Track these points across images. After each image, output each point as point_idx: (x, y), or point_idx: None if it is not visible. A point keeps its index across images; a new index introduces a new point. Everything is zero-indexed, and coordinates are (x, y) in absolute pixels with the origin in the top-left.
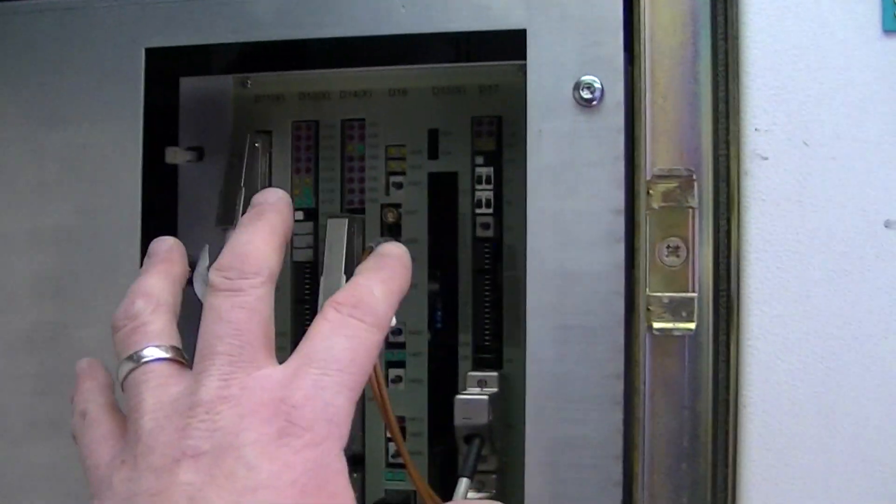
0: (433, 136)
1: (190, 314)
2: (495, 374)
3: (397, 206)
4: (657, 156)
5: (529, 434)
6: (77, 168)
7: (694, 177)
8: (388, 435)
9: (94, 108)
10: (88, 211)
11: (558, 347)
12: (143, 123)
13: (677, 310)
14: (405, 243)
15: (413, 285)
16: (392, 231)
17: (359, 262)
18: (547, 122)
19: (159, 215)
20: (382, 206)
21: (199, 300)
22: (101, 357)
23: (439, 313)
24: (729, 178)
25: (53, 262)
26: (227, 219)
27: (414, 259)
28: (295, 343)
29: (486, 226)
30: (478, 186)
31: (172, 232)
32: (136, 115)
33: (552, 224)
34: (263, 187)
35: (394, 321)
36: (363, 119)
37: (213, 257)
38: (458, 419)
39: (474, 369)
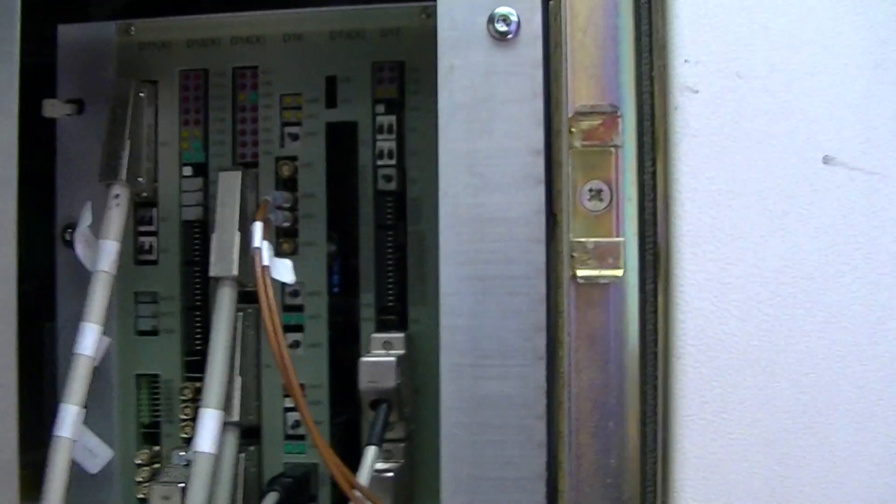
0: (331, 83)
1: (72, 277)
2: (401, 335)
3: (293, 158)
4: (578, 92)
5: (445, 394)
6: None
7: (619, 113)
8: (288, 404)
9: None
10: None
11: (474, 299)
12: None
13: (603, 256)
14: (302, 198)
15: (311, 243)
16: (288, 186)
17: (253, 219)
18: (459, 58)
19: (36, 172)
20: (277, 160)
21: (81, 262)
22: None
23: (339, 273)
24: (654, 115)
25: None
26: (111, 173)
27: (312, 215)
28: (185, 307)
29: (388, 178)
30: (379, 136)
31: (51, 190)
32: (11, 65)
33: (466, 166)
34: (150, 140)
35: (290, 280)
36: (256, 66)
37: (96, 214)
38: (364, 383)
39: (378, 331)
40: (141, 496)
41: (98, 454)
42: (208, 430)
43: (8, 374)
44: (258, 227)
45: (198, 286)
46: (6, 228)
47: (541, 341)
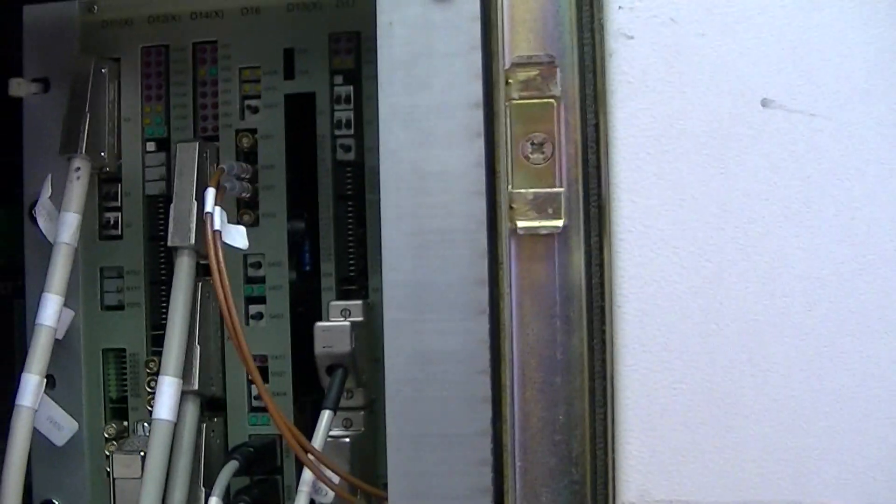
0: (289, 55)
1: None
2: (359, 302)
3: (253, 131)
4: (516, 45)
5: (388, 349)
6: None
7: (556, 63)
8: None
9: None
10: None
11: (416, 253)
12: None
13: (542, 206)
14: (261, 170)
15: (271, 214)
16: (248, 157)
17: (209, 185)
18: (397, 13)
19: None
20: (237, 132)
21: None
22: None
23: (299, 243)
24: (595, 67)
25: None
26: (71, 147)
27: (272, 186)
28: (150, 282)
29: (346, 148)
30: (337, 107)
31: (18, 166)
32: None
33: (405, 121)
34: (112, 116)
35: (243, 245)
36: (215, 41)
37: (56, 186)
38: (319, 348)
39: (338, 300)
40: (109, 470)
41: (63, 426)
42: (166, 397)
43: None
44: (210, 193)
45: (162, 260)
46: None
47: (483, 295)
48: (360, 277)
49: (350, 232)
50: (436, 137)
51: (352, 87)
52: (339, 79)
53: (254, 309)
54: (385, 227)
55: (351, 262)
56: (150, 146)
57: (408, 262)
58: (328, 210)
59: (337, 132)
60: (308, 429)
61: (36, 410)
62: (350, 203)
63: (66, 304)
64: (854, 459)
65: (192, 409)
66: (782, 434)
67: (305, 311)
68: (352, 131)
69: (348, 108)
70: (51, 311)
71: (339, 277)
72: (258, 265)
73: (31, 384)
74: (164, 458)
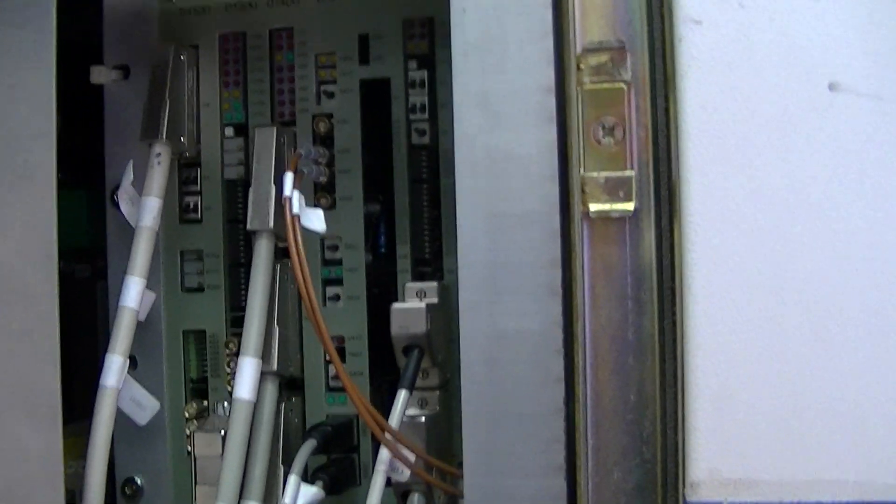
0: (363, 41)
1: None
2: (434, 284)
3: (329, 116)
4: (587, 30)
5: (464, 330)
6: None
7: (626, 48)
8: (327, 358)
9: (5, 15)
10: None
11: (491, 236)
12: (65, 42)
13: (614, 190)
14: (338, 154)
15: (348, 198)
16: (325, 142)
17: (287, 170)
18: (471, 0)
19: (85, 135)
20: (314, 117)
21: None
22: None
23: (376, 226)
24: (665, 50)
25: None
26: (152, 133)
27: (348, 170)
28: (229, 264)
29: (421, 132)
30: (411, 91)
31: (99, 152)
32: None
33: (479, 105)
34: (191, 102)
35: (321, 229)
36: (291, 28)
37: (138, 173)
38: (395, 328)
39: (413, 281)
40: (190, 449)
41: (146, 406)
42: (246, 377)
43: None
44: (289, 178)
45: (241, 243)
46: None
47: (556, 276)
48: (434, 259)
49: (425, 215)
50: (509, 121)
51: (426, 72)
52: (413, 64)
53: (331, 291)
54: (460, 209)
55: (426, 244)
56: (229, 131)
57: (482, 245)
58: (403, 193)
59: (412, 116)
60: (384, 409)
61: (119, 390)
62: (425, 186)
63: (147, 287)
64: None
65: (271, 389)
66: (851, 413)
67: (381, 292)
68: (426, 115)
69: (423, 93)
70: (133, 293)
71: (415, 259)
72: (335, 248)
73: (114, 365)
74: (245, 436)
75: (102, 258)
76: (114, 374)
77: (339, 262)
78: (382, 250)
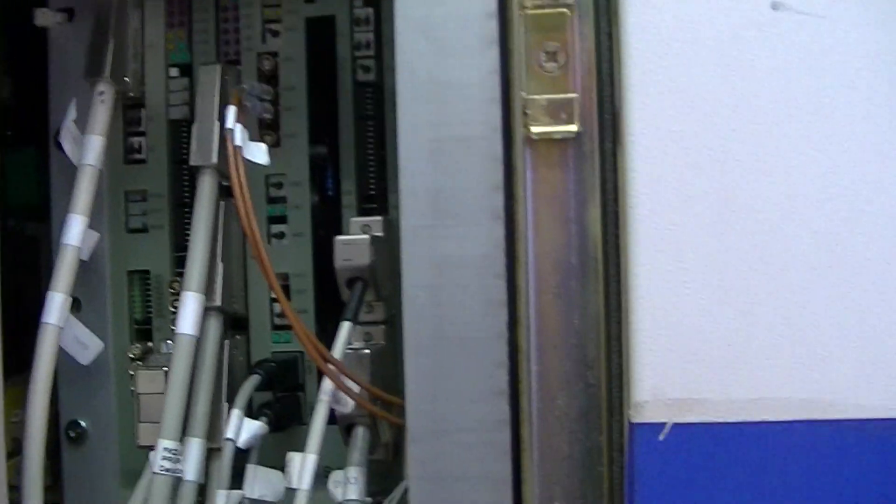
0: None
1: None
2: (379, 219)
3: (274, 54)
4: None
5: (406, 255)
6: None
7: None
8: (273, 295)
9: None
10: None
11: (433, 161)
12: None
13: (556, 112)
14: (283, 92)
15: (293, 135)
16: (270, 80)
17: (230, 104)
18: None
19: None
20: (259, 55)
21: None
22: None
23: (323, 168)
24: None
25: None
26: (95, 70)
27: (293, 108)
28: (174, 205)
29: (366, 69)
30: (357, 29)
31: (44, 92)
32: None
33: (422, 31)
34: (136, 42)
35: (264, 161)
36: None
37: (81, 112)
38: (339, 261)
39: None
40: (133, 388)
41: (89, 346)
42: (188, 312)
43: None
44: (231, 111)
45: (186, 184)
46: None
47: (499, 200)
48: (380, 197)
49: (370, 152)
50: (452, 47)
51: (371, 10)
52: (358, 1)
53: (276, 229)
54: (402, 136)
55: (371, 181)
56: (174, 72)
57: (425, 170)
58: (349, 131)
59: (357, 54)
60: (329, 346)
61: (61, 329)
62: (370, 123)
63: (92, 228)
64: (868, 355)
65: (214, 325)
66: (794, 330)
67: (328, 232)
68: (372, 52)
69: (368, 30)
70: (76, 232)
71: (361, 196)
72: (280, 185)
73: (56, 302)
74: (187, 372)
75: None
76: (55, 311)
77: (283, 200)
78: (330, 193)
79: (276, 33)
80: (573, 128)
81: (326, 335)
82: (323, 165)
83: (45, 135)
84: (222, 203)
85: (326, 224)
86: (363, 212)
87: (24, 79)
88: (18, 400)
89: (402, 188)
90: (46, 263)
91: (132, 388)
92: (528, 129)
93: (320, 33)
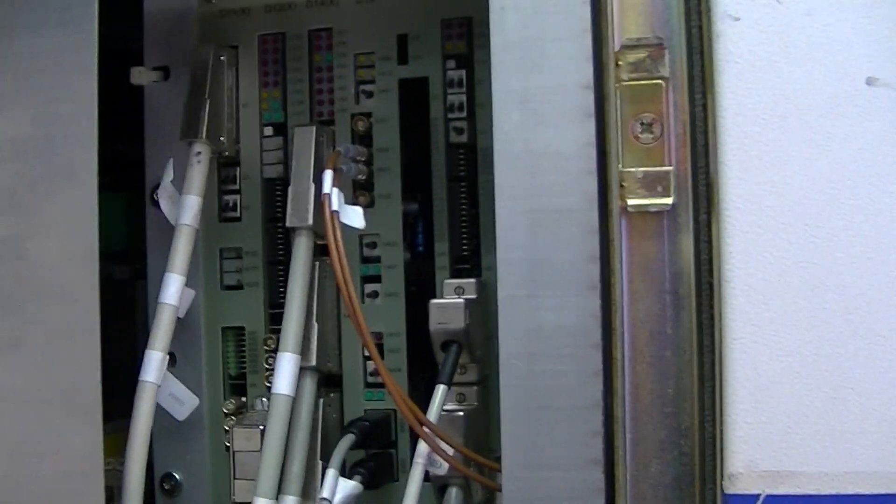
0: (402, 41)
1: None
2: (472, 281)
3: (367, 115)
4: (625, 27)
5: (502, 324)
6: (31, 78)
7: (664, 45)
8: (366, 353)
9: (48, 15)
10: (44, 121)
11: (529, 232)
12: (106, 44)
13: (652, 185)
14: (376, 153)
15: (386, 196)
16: (363, 141)
17: (326, 167)
18: None
19: (124, 138)
20: (352, 116)
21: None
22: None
23: (414, 225)
24: (702, 47)
25: (8, 174)
26: (192, 131)
27: (387, 168)
28: (267, 263)
29: (459, 131)
30: (450, 90)
31: (138, 154)
32: (90, 20)
33: (519, 103)
34: (231, 102)
35: (360, 225)
36: (330, 28)
37: (177, 171)
38: (434, 325)
39: (452, 278)
40: (228, 444)
41: (184, 402)
42: (285, 373)
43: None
44: (328, 175)
45: (280, 241)
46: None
47: (595, 271)
48: (473, 257)
49: (463, 212)
50: (548, 118)
51: (464, 72)
52: (451, 63)
53: (370, 288)
54: (499, 205)
55: (464, 241)
56: (268, 131)
57: (521, 240)
58: (441, 191)
59: (450, 115)
60: (422, 405)
61: (159, 386)
62: (463, 184)
63: (187, 285)
64: None
65: (309, 385)
66: (888, 404)
67: (420, 290)
68: (464, 114)
69: (461, 92)
70: (173, 290)
71: (453, 257)
72: (374, 245)
73: (154, 360)
74: (283, 431)
75: (140, 260)
76: (153, 369)
77: (377, 260)
78: (420, 248)
79: (370, 94)
80: (669, 200)
81: (418, 393)
82: (414, 222)
83: (137, 185)
84: (317, 263)
85: (420, 285)
86: (456, 272)
87: (119, 128)
88: (112, 447)
89: (499, 258)
90: (141, 309)
91: (226, 443)
92: (625, 201)
93: (413, 94)
